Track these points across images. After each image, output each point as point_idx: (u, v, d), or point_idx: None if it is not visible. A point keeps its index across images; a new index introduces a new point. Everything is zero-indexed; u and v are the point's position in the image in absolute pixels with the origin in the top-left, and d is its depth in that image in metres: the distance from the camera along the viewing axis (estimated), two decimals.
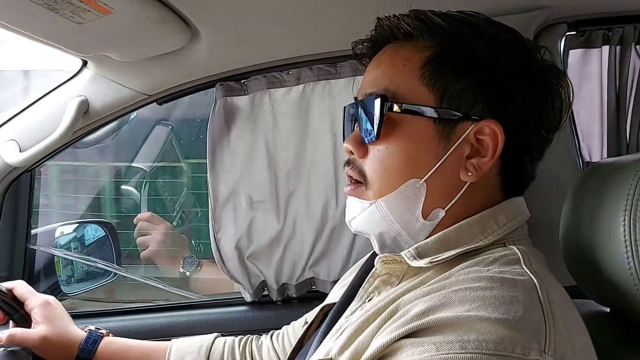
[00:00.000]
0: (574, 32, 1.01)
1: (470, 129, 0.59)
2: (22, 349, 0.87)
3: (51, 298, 0.93)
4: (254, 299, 1.20)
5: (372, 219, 0.63)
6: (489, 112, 0.60)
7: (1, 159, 1.10)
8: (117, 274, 1.30)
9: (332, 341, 0.58)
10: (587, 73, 1.06)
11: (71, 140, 1.12)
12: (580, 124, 1.07)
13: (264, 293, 1.22)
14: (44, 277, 1.25)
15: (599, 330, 0.62)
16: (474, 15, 0.63)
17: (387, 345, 0.49)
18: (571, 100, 0.65)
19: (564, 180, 0.92)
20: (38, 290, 0.94)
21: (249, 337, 0.96)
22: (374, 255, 0.67)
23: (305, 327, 0.79)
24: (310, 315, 0.85)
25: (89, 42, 0.85)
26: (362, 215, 0.64)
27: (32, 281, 1.20)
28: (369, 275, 0.65)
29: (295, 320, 0.94)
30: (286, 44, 1.04)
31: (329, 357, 0.55)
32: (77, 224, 1.37)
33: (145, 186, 1.61)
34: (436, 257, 0.58)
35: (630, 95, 1.03)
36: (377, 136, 0.61)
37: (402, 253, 0.61)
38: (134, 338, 0.97)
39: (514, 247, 0.58)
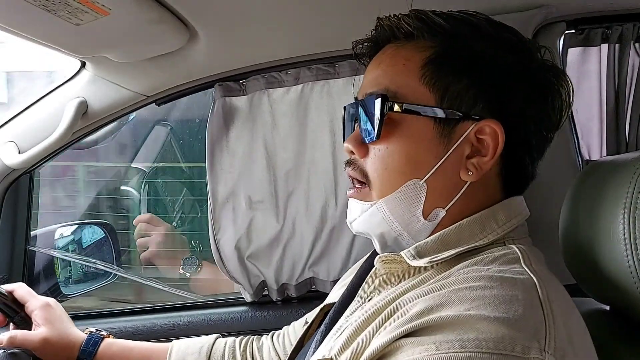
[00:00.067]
0: (573, 31, 1.01)
1: (470, 128, 0.60)
2: (23, 351, 0.87)
3: (51, 300, 0.93)
4: (253, 299, 1.20)
5: (373, 220, 0.63)
6: (489, 111, 0.60)
7: (0, 161, 1.10)
8: (116, 275, 1.30)
9: (332, 341, 0.58)
10: (586, 71, 1.06)
11: (70, 141, 1.12)
12: (579, 123, 1.07)
13: (263, 293, 1.22)
14: (43, 278, 1.25)
15: (599, 328, 0.62)
16: (475, 15, 0.63)
17: (386, 345, 0.49)
18: (571, 99, 0.65)
19: (563, 179, 0.92)
20: (38, 292, 0.94)
21: (249, 338, 0.96)
22: (374, 254, 0.67)
23: (305, 327, 0.79)
24: (310, 315, 0.85)
25: (86, 44, 0.85)
26: (363, 216, 0.64)
27: (32, 283, 1.20)
28: (369, 275, 0.65)
29: (296, 320, 0.94)
30: (285, 44, 1.04)
31: (329, 357, 0.55)
32: (76, 226, 1.36)
33: (144, 187, 1.61)
34: (436, 257, 0.58)
35: (629, 93, 1.04)
36: (378, 136, 0.61)
37: (401, 253, 0.61)
38: (134, 339, 0.97)
39: (513, 246, 0.58)
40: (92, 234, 1.34)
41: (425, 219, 0.61)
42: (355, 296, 0.66)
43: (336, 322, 0.65)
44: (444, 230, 0.60)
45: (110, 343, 0.92)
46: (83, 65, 1.03)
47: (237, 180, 1.14)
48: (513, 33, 0.64)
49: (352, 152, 0.66)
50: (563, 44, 1.01)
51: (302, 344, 0.76)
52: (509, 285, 0.51)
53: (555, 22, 0.98)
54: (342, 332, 0.58)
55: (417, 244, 0.60)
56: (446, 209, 0.61)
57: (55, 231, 1.28)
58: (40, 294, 0.94)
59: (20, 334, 0.88)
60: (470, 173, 0.60)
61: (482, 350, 0.45)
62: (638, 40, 1.01)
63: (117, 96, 1.08)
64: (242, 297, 1.21)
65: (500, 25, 0.64)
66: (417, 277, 0.59)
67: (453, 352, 0.45)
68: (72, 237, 1.32)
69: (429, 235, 0.61)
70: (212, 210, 1.15)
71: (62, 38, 0.81)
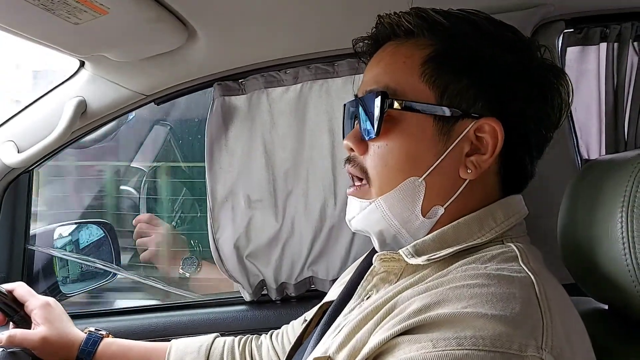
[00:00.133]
0: (572, 30, 1.01)
1: (470, 126, 0.60)
2: (22, 350, 0.87)
3: (51, 299, 0.93)
4: (253, 299, 1.20)
5: (372, 218, 0.63)
6: (489, 110, 0.60)
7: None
8: (116, 274, 1.30)
9: (331, 339, 0.58)
10: (585, 70, 1.06)
11: (69, 140, 1.12)
12: (578, 121, 1.07)
13: (263, 292, 1.22)
14: (43, 277, 1.25)
15: (597, 327, 0.62)
16: (475, 14, 0.63)
17: (384, 342, 0.49)
18: (571, 99, 0.65)
19: (561, 178, 0.92)
20: (37, 291, 0.94)
21: (248, 337, 0.96)
22: (373, 253, 0.67)
23: (304, 325, 0.79)
24: (309, 313, 0.85)
25: (85, 43, 0.85)
26: (362, 214, 0.64)
27: (31, 282, 1.20)
28: (368, 273, 0.65)
29: (295, 319, 0.94)
30: (283, 43, 1.04)
31: (327, 354, 0.55)
32: (76, 225, 1.36)
33: (144, 186, 1.61)
34: (434, 255, 0.58)
35: (628, 92, 1.04)
36: (377, 133, 0.61)
37: (400, 251, 0.61)
38: (133, 338, 0.97)
39: (511, 245, 0.58)
40: (92, 234, 1.34)
41: (423, 216, 0.61)
42: (353, 294, 0.66)
43: (335, 320, 0.65)
44: (442, 228, 0.61)
45: (110, 342, 0.93)
46: (82, 64, 1.03)
47: (236, 180, 1.14)
48: (513, 32, 0.64)
49: (351, 149, 0.66)
50: (562, 43, 1.01)
51: (300, 342, 0.77)
52: (507, 283, 0.51)
53: (554, 21, 0.98)
54: (340, 330, 0.58)
55: (415, 242, 0.61)
56: (445, 206, 0.61)
57: (55, 230, 1.28)
58: (40, 293, 0.94)
59: (20, 333, 0.88)
60: (469, 171, 0.60)
61: (479, 348, 0.45)
62: (637, 39, 1.02)
63: (116, 95, 1.08)
64: (241, 296, 1.21)
65: (500, 24, 0.64)
66: (415, 275, 0.59)
67: (450, 350, 0.45)
68: (71, 236, 1.32)
69: (428, 233, 0.61)
70: (211, 210, 1.15)
71: (61, 37, 0.81)
